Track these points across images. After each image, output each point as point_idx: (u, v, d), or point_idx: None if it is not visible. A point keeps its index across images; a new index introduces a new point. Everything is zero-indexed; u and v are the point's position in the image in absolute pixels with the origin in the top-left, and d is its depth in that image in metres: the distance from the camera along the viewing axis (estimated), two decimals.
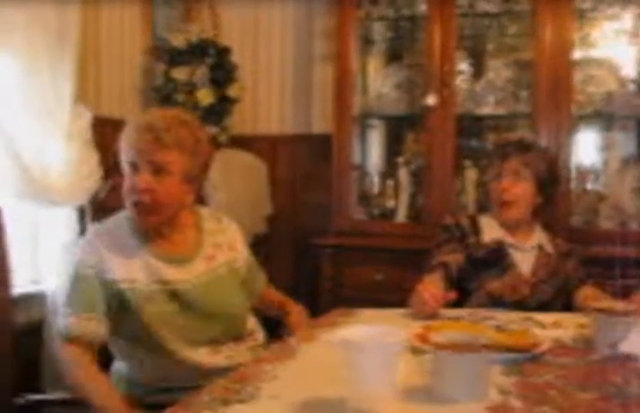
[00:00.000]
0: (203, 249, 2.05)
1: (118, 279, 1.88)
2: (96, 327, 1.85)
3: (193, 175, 1.96)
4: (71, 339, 1.84)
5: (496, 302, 2.43)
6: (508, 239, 2.56)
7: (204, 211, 2.15)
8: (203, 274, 2.01)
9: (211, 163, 2.07)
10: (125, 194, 1.92)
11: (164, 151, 1.88)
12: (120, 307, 1.89)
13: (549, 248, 2.59)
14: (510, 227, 2.58)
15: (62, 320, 1.88)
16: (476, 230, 2.60)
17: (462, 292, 2.45)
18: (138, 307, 1.88)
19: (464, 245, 2.55)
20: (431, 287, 2.19)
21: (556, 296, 2.53)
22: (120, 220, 2.00)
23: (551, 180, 2.62)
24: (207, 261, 2.03)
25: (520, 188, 2.55)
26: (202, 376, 1.83)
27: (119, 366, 2.02)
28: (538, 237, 2.61)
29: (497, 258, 2.53)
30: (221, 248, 2.08)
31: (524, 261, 2.54)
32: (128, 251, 1.93)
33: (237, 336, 2.06)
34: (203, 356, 1.95)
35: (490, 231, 2.58)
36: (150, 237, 1.97)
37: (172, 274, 1.95)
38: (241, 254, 2.15)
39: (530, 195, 2.56)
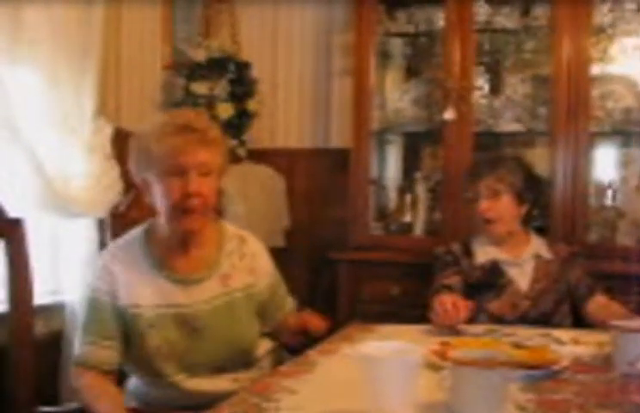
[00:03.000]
0: (220, 267, 1.96)
1: (126, 304, 1.86)
2: (112, 355, 1.86)
3: (224, 172, 1.93)
4: (89, 367, 1.85)
5: (498, 322, 2.42)
6: (502, 256, 2.56)
7: (229, 229, 2.06)
8: (216, 297, 1.93)
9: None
10: (168, 203, 1.82)
11: (209, 151, 1.83)
12: (128, 333, 1.88)
13: (547, 255, 2.58)
14: (502, 243, 2.57)
15: (79, 347, 1.88)
16: (468, 253, 2.60)
17: None
18: (141, 334, 1.86)
19: (458, 270, 2.56)
20: (454, 298, 2.18)
21: (559, 304, 2.52)
22: (134, 239, 1.95)
23: (530, 186, 2.62)
24: (223, 282, 1.95)
25: (500, 205, 2.54)
26: (206, 403, 1.63)
27: (133, 381, 2.01)
28: (534, 245, 2.60)
29: (493, 278, 2.53)
30: (239, 270, 1.99)
31: (521, 275, 2.54)
32: (139, 274, 1.89)
33: (245, 363, 1.99)
34: (204, 385, 1.90)
35: (483, 251, 2.58)
36: (163, 256, 1.91)
37: (183, 297, 1.89)
38: (262, 279, 2.05)
39: (512, 208, 2.56)
